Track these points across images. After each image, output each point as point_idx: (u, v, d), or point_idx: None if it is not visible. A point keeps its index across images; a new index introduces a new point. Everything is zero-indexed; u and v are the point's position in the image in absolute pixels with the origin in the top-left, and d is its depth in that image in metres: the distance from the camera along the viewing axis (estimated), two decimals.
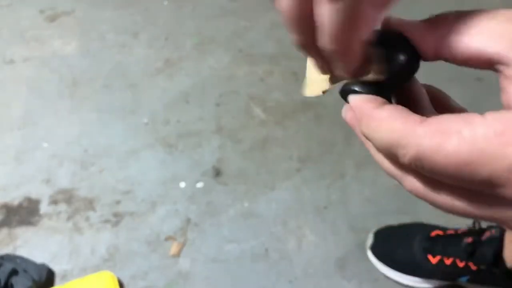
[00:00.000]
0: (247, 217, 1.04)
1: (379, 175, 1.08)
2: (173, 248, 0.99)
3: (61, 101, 1.31)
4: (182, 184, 1.10)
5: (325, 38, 0.22)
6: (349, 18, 0.21)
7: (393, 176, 0.23)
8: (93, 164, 1.14)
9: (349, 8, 0.20)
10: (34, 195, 1.08)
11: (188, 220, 1.03)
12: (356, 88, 0.24)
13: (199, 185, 1.09)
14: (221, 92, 1.32)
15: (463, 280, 0.86)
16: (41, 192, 1.09)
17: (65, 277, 0.95)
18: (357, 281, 0.94)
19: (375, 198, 1.06)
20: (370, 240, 0.96)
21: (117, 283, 0.91)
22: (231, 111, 1.26)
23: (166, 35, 1.52)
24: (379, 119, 0.22)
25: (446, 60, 0.22)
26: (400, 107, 0.22)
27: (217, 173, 1.12)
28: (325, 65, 0.25)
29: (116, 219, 1.04)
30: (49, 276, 0.94)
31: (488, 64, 0.20)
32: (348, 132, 1.16)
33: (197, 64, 1.41)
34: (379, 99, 0.23)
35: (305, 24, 0.22)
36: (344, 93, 0.25)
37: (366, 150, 0.25)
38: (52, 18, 1.60)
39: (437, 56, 0.22)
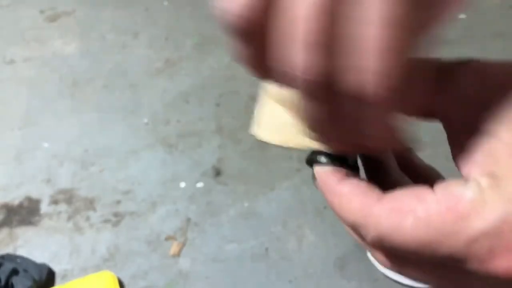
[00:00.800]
0: (247, 217, 1.04)
1: None
2: (173, 248, 0.99)
3: (61, 101, 1.31)
4: (182, 184, 1.10)
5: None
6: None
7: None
8: (93, 164, 1.14)
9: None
10: (34, 195, 1.08)
11: (188, 220, 1.03)
12: (322, 158, 0.24)
13: (199, 185, 1.09)
14: (221, 92, 1.32)
15: None
16: (42, 192, 1.09)
17: (66, 277, 0.95)
18: (357, 281, 0.94)
19: None
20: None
21: (117, 283, 0.91)
22: (231, 111, 1.27)
23: (166, 35, 1.52)
24: (339, 196, 0.21)
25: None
26: (361, 182, 0.21)
27: (217, 173, 1.12)
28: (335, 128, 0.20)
29: (116, 219, 1.04)
30: (49, 276, 0.94)
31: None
32: None
33: (197, 64, 1.41)
34: (342, 171, 0.23)
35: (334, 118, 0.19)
36: (310, 162, 0.25)
37: None
38: (52, 18, 1.60)
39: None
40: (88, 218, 1.04)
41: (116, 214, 1.05)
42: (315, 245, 0.99)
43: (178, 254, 0.98)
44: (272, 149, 1.17)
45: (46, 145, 1.19)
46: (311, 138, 0.22)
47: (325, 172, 0.23)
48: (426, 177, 0.25)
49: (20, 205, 1.07)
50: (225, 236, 1.01)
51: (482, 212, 0.16)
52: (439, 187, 0.18)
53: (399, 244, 0.18)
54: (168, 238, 1.00)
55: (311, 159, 0.25)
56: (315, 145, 0.24)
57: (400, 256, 0.20)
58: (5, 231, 1.02)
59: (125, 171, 1.13)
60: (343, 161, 0.24)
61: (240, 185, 1.09)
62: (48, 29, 1.55)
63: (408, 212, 0.18)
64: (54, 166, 1.14)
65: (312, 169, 0.25)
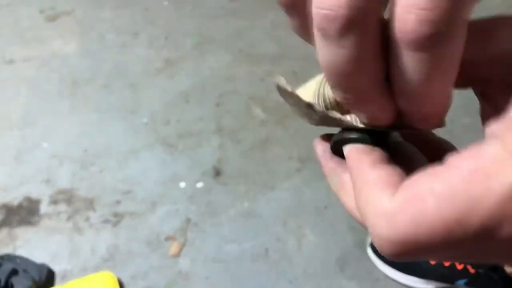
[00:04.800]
0: (247, 217, 1.04)
1: None
2: (173, 248, 0.99)
3: (61, 101, 1.31)
4: (182, 184, 1.10)
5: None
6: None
7: None
8: (93, 164, 1.14)
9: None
10: (34, 195, 1.08)
11: (188, 220, 1.03)
12: (353, 134, 0.21)
13: (199, 185, 1.09)
14: (221, 92, 1.32)
15: (460, 283, 0.86)
16: (41, 192, 1.09)
17: (65, 277, 0.95)
18: (357, 281, 0.94)
19: None
20: (370, 238, 0.96)
21: (117, 283, 0.91)
22: (231, 111, 1.26)
23: (166, 35, 1.52)
24: (365, 180, 0.19)
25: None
26: (393, 170, 0.19)
27: (217, 173, 1.12)
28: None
29: (116, 219, 1.04)
30: (49, 276, 0.94)
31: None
32: None
33: (197, 64, 1.41)
34: (376, 152, 0.20)
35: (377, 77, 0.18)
36: (340, 142, 0.22)
37: None
38: (52, 18, 1.60)
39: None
40: (87, 218, 1.04)
41: (115, 214, 1.04)
42: (315, 245, 0.99)
43: (178, 254, 0.98)
44: (272, 149, 1.17)
45: (45, 145, 1.19)
46: (344, 109, 0.21)
47: (357, 150, 0.21)
48: (442, 151, 0.23)
49: (20, 205, 1.07)
50: (225, 236, 1.01)
51: (510, 164, 0.14)
52: (452, 157, 0.16)
53: (425, 238, 0.16)
54: (168, 238, 1.00)
55: (341, 138, 0.22)
56: (342, 118, 0.21)
57: (427, 251, 0.17)
58: (4, 231, 1.02)
59: (125, 171, 1.13)
60: (377, 139, 0.21)
61: (240, 185, 1.09)
62: (48, 29, 1.55)
63: (426, 195, 0.16)
64: (54, 166, 1.14)
65: (338, 149, 0.22)
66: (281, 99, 0.26)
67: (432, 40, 0.16)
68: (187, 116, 1.25)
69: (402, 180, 0.18)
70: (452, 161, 0.16)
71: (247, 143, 1.18)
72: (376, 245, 0.17)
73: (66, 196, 1.08)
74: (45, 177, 1.12)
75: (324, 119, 0.22)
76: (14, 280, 0.89)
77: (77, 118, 1.26)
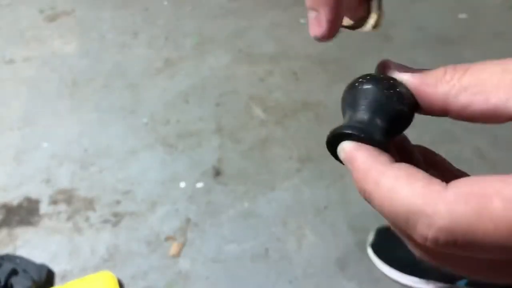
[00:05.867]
0: (247, 217, 1.03)
1: None
2: (173, 248, 0.98)
3: (61, 101, 1.31)
4: (182, 184, 1.09)
5: None
6: None
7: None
8: (93, 164, 1.14)
9: None
10: (34, 195, 1.08)
11: (188, 220, 1.03)
12: (352, 132, 0.20)
13: (199, 185, 1.09)
14: (221, 92, 1.32)
15: (461, 284, 0.86)
16: (41, 192, 1.09)
17: (65, 277, 0.95)
18: (357, 281, 0.94)
19: None
20: (370, 237, 0.96)
21: (117, 283, 0.91)
22: (231, 111, 1.26)
23: (166, 35, 1.52)
24: (396, 175, 0.18)
25: (452, 116, 0.20)
26: (415, 168, 0.18)
27: (217, 173, 1.12)
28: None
29: (116, 219, 1.04)
30: (49, 276, 0.94)
31: (509, 120, 0.18)
32: None
33: (197, 64, 1.41)
34: (382, 155, 0.19)
35: None
36: (337, 138, 0.21)
37: None
38: (52, 18, 1.60)
39: (444, 111, 0.20)
40: (87, 218, 1.04)
41: (115, 214, 1.04)
42: (315, 245, 0.99)
43: (178, 255, 0.98)
44: (272, 149, 1.17)
45: (45, 145, 1.19)
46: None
47: (366, 148, 0.20)
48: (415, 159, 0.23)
49: (20, 205, 1.06)
50: (225, 236, 1.01)
51: None
52: None
53: (484, 234, 0.15)
54: (168, 239, 1.00)
55: (338, 133, 0.21)
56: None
57: (470, 252, 0.16)
58: (4, 231, 1.02)
59: (124, 171, 1.13)
60: (378, 141, 0.20)
61: (240, 185, 1.09)
62: (48, 28, 1.55)
63: (493, 195, 0.15)
64: (54, 166, 1.14)
65: (335, 148, 0.21)
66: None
67: None
68: (187, 116, 1.25)
69: (426, 176, 0.18)
70: None
71: (247, 143, 1.18)
72: (429, 236, 0.16)
73: (66, 196, 1.08)
74: (45, 177, 1.12)
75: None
76: (14, 280, 0.89)
77: (77, 118, 1.26)
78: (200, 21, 1.57)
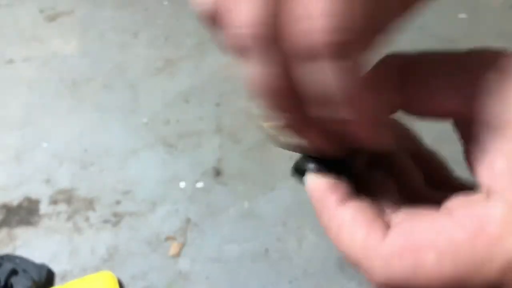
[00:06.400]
0: (247, 217, 1.03)
1: None
2: (173, 248, 0.98)
3: (61, 101, 1.31)
4: (182, 184, 1.09)
5: (336, 109, 0.16)
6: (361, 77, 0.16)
7: None
8: (93, 164, 1.14)
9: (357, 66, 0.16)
10: (34, 195, 1.08)
11: (188, 220, 1.03)
12: (312, 165, 0.20)
13: (199, 185, 1.09)
14: (221, 92, 1.32)
15: None
16: (41, 192, 1.09)
17: (65, 277, 0.95)
18: (357, 281, 0.94)
19: None
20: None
21: (117, 283, 0.91)
22: (231, 111, 1.26)
23: (166, 35, 1.52)
24: (338, 223, 0.19)
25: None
26: (364, 205, 0.18)
27: (217, 173, 1.12)
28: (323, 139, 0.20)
29: (116, 219, 1.04)
30: (49, 276, 0.94)
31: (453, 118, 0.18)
32: None
33: (197, 64, 1.41)
34: (341, 186, 0.19)
35: (292, 96, 0.17)
36: (298, 171, 0.20)
37: None
38: (52, 18, 1.60)
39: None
40: (87, 218, 1.04)
41: (115, 214, 1.04)
42: (315, 245, 0.99)
43: (178, 255, 0.98)
44: (272, 149, 1.17)
45: (45, 145, 1.19)
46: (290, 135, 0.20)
47: (320, 187, 0.20)
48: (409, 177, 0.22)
49: (20, 205, 1.06)
50: (225, 236, 1.01)
51: None
52: (457, 209, 0.16)
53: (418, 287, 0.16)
54: (168, 239, 1.00)
55: (300, 167, 0.21)
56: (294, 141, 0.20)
57: None
58: (4, 231, 1.02)
59: (124, 171, 1.13)
60: (336, 167, 0.20)
61: (240, 185, 1.09)
62: (48, 28, 1.55)
63: (427, 248, 0.15)
64: (54, 166, 1.14)
65: (301, 179, 0.21)
66: None
67: (332, 50, 0.15)
68: (187, 116, 1.25)
69: (376, 214, 0.18)
70: (454, 212, 0.16)
71: (247, 143, 1.18)
72: (372, 284, 0.17)
73: (66, 196, 1.08)
74: (45, 177, 1.12)
75: (285, 145, 0.22)
76: (14, 280, 0.89)
77: (77, 118, 1.26)
78: (200, 21, 1.57)
